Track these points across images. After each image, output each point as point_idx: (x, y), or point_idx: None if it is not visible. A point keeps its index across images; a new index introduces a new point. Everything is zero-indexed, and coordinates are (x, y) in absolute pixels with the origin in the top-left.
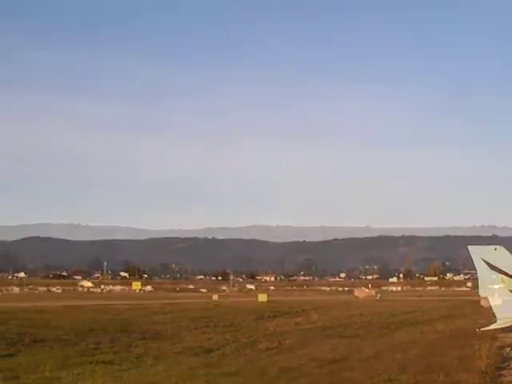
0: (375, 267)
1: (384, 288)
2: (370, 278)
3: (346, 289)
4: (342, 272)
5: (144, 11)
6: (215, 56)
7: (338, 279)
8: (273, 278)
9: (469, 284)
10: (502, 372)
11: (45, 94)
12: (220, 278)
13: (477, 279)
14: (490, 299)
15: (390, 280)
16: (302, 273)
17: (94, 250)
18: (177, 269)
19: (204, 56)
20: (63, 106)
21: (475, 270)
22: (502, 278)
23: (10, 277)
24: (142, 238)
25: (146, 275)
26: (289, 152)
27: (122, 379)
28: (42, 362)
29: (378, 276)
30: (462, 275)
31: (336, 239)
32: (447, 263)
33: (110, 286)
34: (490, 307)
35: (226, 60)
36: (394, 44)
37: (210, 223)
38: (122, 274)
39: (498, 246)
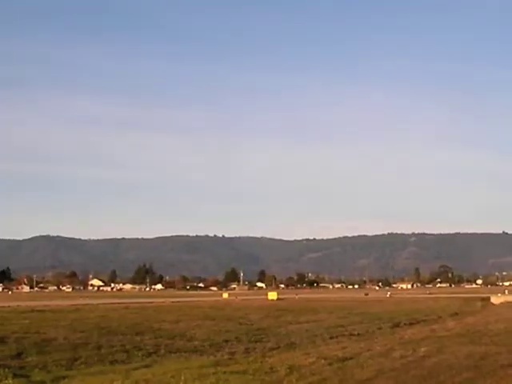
0: None
1: None
2: (507, 284)
3: (483, 295)
4: (479, 279)
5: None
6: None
7: (474, 286)
8: (409, 286)
9: None
10: None
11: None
12: (357, 286)
13: None
14: None
15: None
16: (439, 280)
17: (231, 260)
18: (313, 277)
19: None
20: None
21: None
22: None
23: (147, 288)
24: (278, 247)
25: (282, 285)
26: None
27: None
28: (177, 373)
29: None
30: None
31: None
32: None
33: (243, 297)
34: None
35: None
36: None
37: (346, 232)
38: (259, 284)
39: None
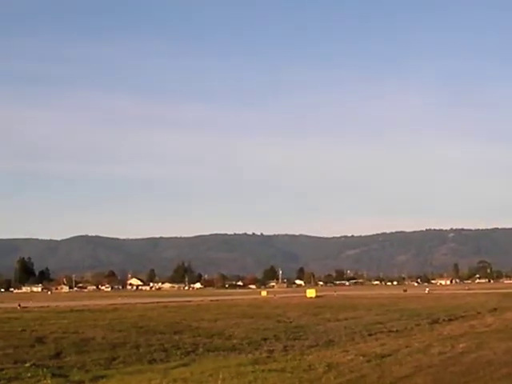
0: None
1: None
2: None
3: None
4: None
5: None
6: None
7: None
8: (448, 282)
9: None
10: None
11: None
12: (395, 282)
13: None
14: None
15: None
16: (478, 275)
17: (270, 258)
18: (351, 275)
19: None
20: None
21: None
22: None
23: (186, 287)
24: (317, 244)
25: (321, 282)
26: None
27: None
28: (215, 372)
29: None
30: None
31: None
32: None
33: (282, 295)
34: None
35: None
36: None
37: (384, 228)
38: (297, 281)
39: None
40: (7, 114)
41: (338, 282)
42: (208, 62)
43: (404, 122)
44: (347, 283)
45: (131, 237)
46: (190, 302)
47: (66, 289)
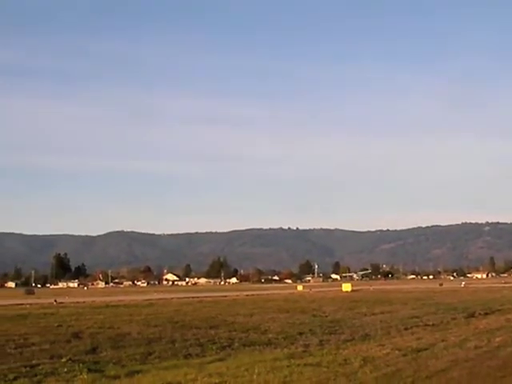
0: None
1: None
2: None
3: None
4: None
5: None
6: None
7: None
8: (484, 275)
9: None
10: None
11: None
12: (431, 276)
13: None
14: None
15: None
16: None
17: (306, 253)
18: (387, 269)
19: None
20: None
21: None
22: None
23: (222, 282)
24: (352, 239)
25: (356, 276)
26: None
27: (329, 381)
28: (250, 366)
29: None
30: None
31: None
32: None
33: (318, 289)
34: None
35: None
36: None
37: (420, 222)
38: (333, 276)
39: None
40: (40, 109)
41: (373, 277)
42: (225, 56)
43: (436, 115)
44: (355, 276)
45: (167, 232)
46: (225, 296)
47: (101, 284)
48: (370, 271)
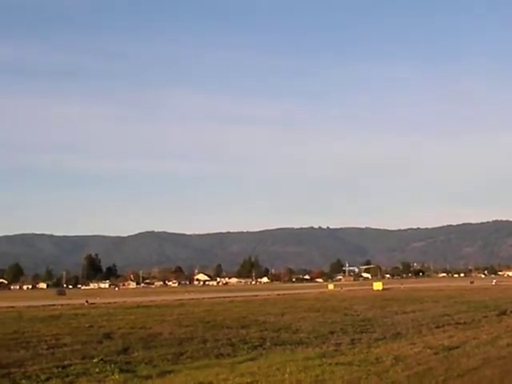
0: None
1: None
2: None
3: None
4: None
5: None
6: None
7: None
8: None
9: None
10: None
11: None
12: (462, 274)
13: None
14: None
15: None
16: None
17: (336, 251)
18: (418, 267)
19: None
20: None
21: None
22: None
23: (253, 282)
24: (383, 237)
25: (387, 275)
26: None
27: (361, 380)
28: (282, 365)
29: None
30: None
31: None
32: None
33: (349, 288)
34: None
35: None
36: None
37: (450, 220)
38: (364, 274)
39: None
40: (72, 110)
41: (404, 275)
42: (268, 57)
43: (468, 114)
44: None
45: (198, 232)
46: (256, 296)
47: (133, 285)
48: (373, 266)
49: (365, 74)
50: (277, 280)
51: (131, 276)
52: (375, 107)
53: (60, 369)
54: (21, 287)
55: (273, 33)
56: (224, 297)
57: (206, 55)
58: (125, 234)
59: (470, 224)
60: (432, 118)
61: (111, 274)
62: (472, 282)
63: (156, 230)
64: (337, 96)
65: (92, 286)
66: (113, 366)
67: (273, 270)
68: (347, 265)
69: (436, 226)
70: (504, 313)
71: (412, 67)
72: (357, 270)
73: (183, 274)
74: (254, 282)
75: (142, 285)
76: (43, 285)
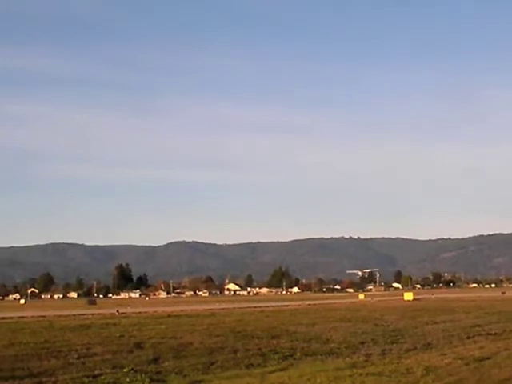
0: None
1: None
2: None
3: None
4: None
5: None
6: None
7: None
8: None
9: None
10: None
11: None
12: (493, 285)
13: None
14: None
15: None
16: None
17: (367, 261)
18: (449, 277)
19: None
20: None
21: None
22: None
23: (283, 292)
24: (413, 247)
25: (418, 285)
26: None
27: None
28: (312, 376)
29: None
30: None
31: None
32: None
33: (379, 298)
34: None
35: None
36: None
37: (482, 230)
38: (395, 284)
39: None
40: (104, 119)
41: (435, 285)
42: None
43: (496, 120)
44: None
45: (229, 242)
46: (287, 306)
47: (163, 294)
48: (377, 270)
49: (378, 80)
50: (307, 290)
51: (162, 286)
52: (401, 115)
53: (90, 378)
54: (52, 296)
55: (289, 40)
56: (254, 307)
57: (221, 62)
58: (156, 244)
59: (502, 234)
60: (456, 127)
61: (142, 283)
62: (503, 293)
63: (187, 240)
64: (359, 103)
65: (123, 295)
66: (143, 375)
67: (303, 280)
68: (378, 275)
69: (467, 236)
70: None
71: (426, 76)
72: (360, 273)
73: (214, 284)
74: (284, 292)
75: (173, 294)
76: (74, 294)
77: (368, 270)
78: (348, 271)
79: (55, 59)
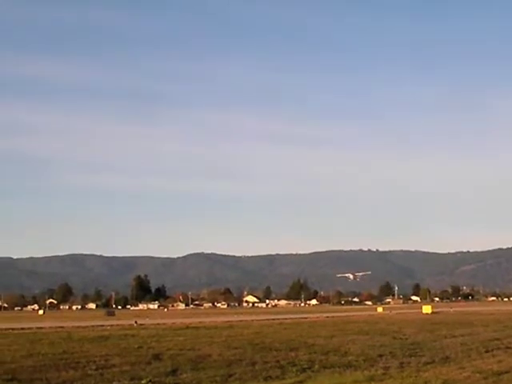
0: None
1: None
2: None
3: None
4: None
5: None
6: None
7: None
8: None
9: None
10: None
11: None
12: (509, 299)
13: None
14: None
15: None
16: None
17: (386, 274)
18: (467, 290)
19: None
20: None
21: None
22: None
23: (302, 304)
24: (432, 260)
25: (436, 298)
26: None
27: None
28: None
29: None
30: None
31: None
32: None
33: (398, 311)
34: None
35: None
36: None
37: (500, 244)
38: (413, 297)
39: None
40: (129, 130)
41: (453, 298)
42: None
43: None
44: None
45: (247, 254)
46: (305, 318)
47: (182, 306)
48: (369, 272)
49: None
50: (326, 302)
51: (180, 297)
52: (416, 128)
53: None
54: (70, 307)
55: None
56: (273, 319)
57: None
58: (174, 256)
59: None
60: (475, 140)
61: (160, 295)
62: None
63: (205, 252)
64: (374, 115)
65: (141, 306)
66: None
67: (322, 292)
68: (396, 288)
69: (486, 249)
70: None
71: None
72: (351, 276)
73: (232, 296)
74: (302, 304)
75: (191, 306)
76: (92, 305)
77: (361, 274)
78: (338, 275)
79: (68, 67)
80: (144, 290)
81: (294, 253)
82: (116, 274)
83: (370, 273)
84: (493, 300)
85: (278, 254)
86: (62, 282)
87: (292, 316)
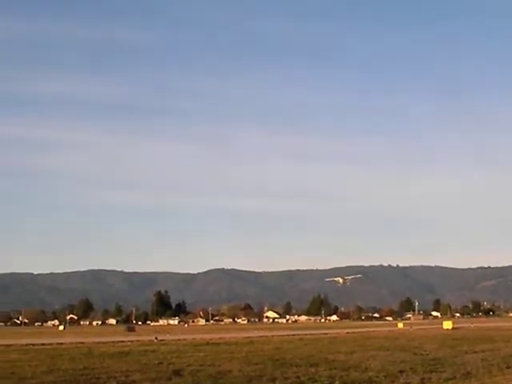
0: None
1: None
2: None
3: None
4: None
5: None
6: None
7: None
8: None
9: None
10: None
11: None
12: None
13: None
14: None
15: None
16: None
17: (406, 290)
18: (488, 306)
19: None
20: None
21: None
22: None
23: (322, 319)
24: (452, 276)
25: (457, 314)
26: None
27: None
28: None
29: None
30: None
31: None
32: None
33: (418, 326)
34: None
35: None
36: None
37: None
38: (434, 313)
39: None
40: (150, 145)
41: (474, 314)
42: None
43: None
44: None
45: (267, 269)
46: (326, 334)
47: (202, 322)
48: (360, 276)
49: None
50: (346, 318)
51: (200, 313)
52: (438, 144)
53: None
54: (90, 323)
55: (345, 72)
56: (293, 334)
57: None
58: (194, 271)
59: None
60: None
61: (180, 310)
62: None
63: (226, 268)
64: (403, 132)
65: (161, 322)
66: None
67: (342, 308)
68: (416, 303)
69: (506, 264)
70: None
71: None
72: (341, 280)
73: (252, 312)
74: (323, 320)
75: (212, 322)
76: (113, 321)
77: (351, 277)
78: (327, 279)
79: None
80: (164, 306)
81: (315, 268)
82: (136, 290)
83: (360, 276)
84: None
85: (298, 270)
86: (82, 298)
87: (312, 332)
